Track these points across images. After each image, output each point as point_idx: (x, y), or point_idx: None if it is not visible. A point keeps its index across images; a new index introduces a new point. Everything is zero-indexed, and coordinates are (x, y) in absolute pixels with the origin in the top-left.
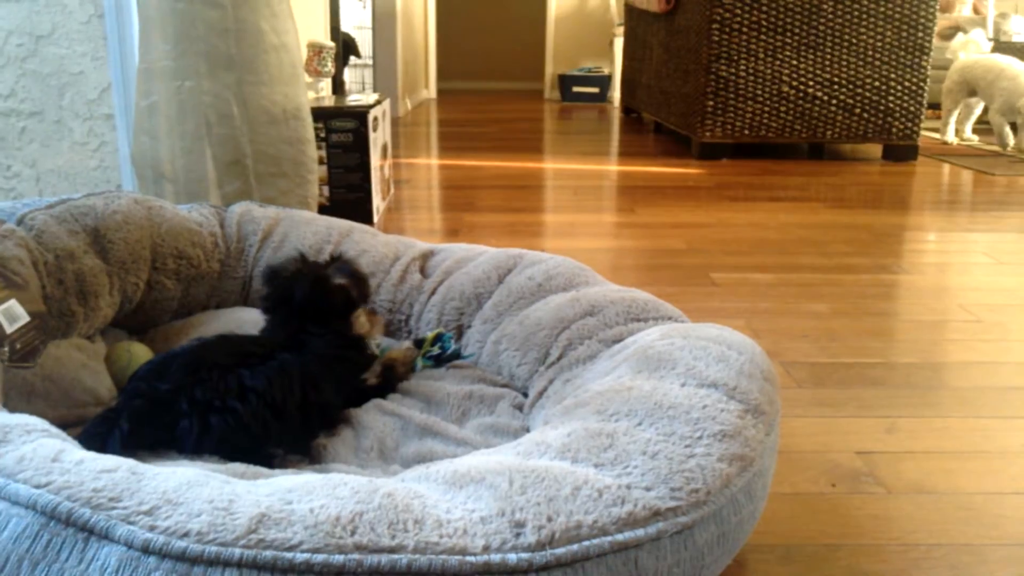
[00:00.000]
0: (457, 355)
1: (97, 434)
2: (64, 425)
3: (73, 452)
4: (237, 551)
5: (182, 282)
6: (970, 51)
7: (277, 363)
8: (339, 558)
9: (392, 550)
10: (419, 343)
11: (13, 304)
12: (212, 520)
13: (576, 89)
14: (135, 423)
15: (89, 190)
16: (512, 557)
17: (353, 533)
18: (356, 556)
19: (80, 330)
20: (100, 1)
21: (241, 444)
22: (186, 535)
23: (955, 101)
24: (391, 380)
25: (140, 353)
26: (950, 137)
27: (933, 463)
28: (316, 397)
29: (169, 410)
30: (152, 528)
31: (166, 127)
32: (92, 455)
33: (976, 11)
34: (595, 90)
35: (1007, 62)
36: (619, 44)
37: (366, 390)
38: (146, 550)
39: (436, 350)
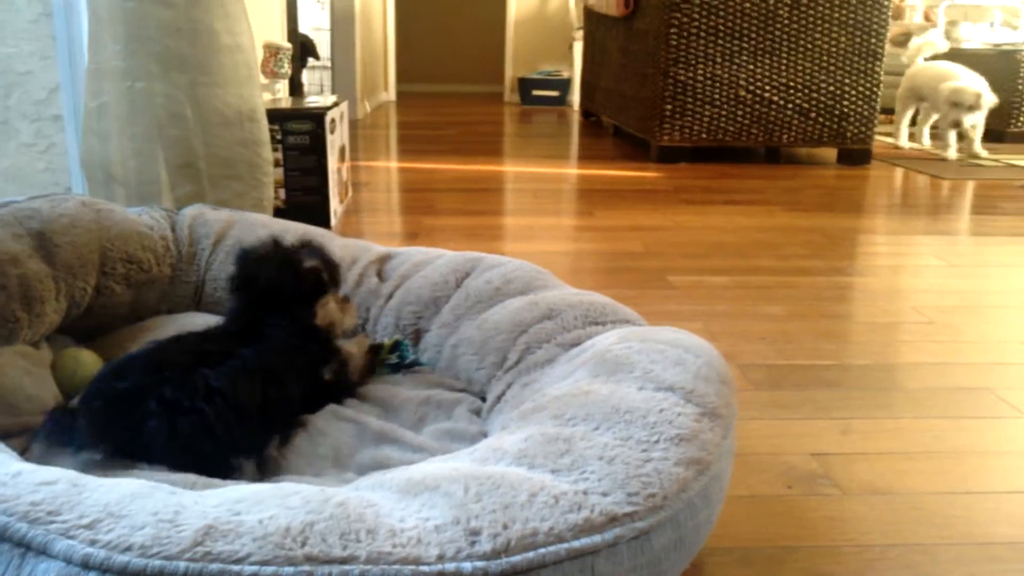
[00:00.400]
0: (416, 363)
1: (57, 431)
2: (6, 435)
3: (10, 464)
4: (182, 564)
5: (132, 287)
6: (926, 53)
7: (239, 361)
8: (289, 570)
9: (344, 561)
10: (376, 349)
11: None
12: (156, 533)
13: (536, 92)
14: (94, 424)
15: (37, 193)
16: (467, 566)
17: (303, 544)
18: (306, 568)
19: (24, 336)
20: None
21: (206, 449)
22: (128, 549)
23: (906, 106)
24: (344, 376)
25: (88, 360)
26: (903, 142)
27: (886, 464)
28: (276, 393)
29: (132, 409)
30: (93, 542)
31: (117, 128)
32: (30, 467)
33: (927, 18)
34: (555, 93)
35: (952, 69)
36: (578, 48)
37: (323, 386)
38: (86, 565)
39: (394, 359)
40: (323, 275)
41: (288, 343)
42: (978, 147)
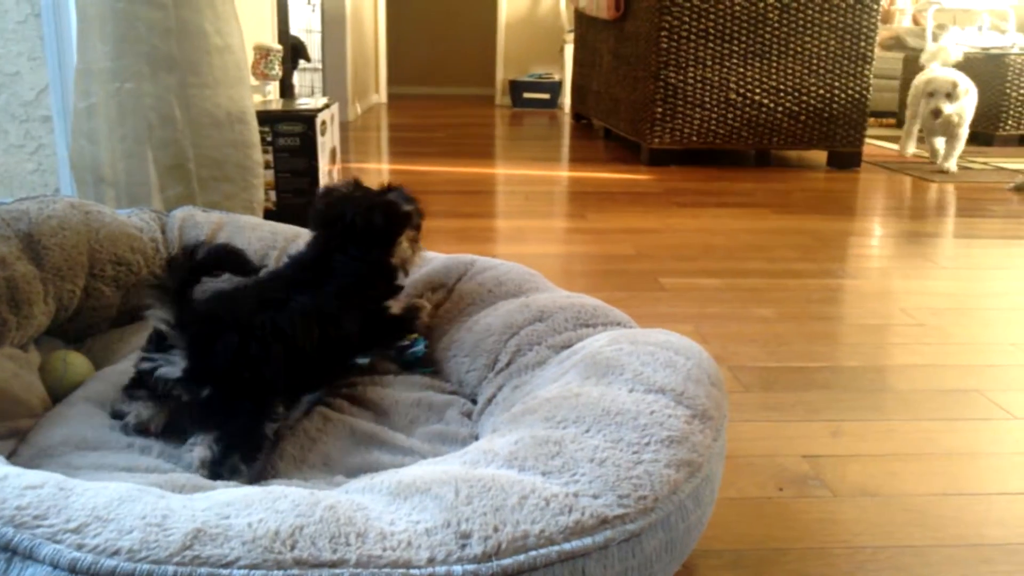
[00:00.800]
0: (418, 360)
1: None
2: None
3: None
4: (171, 568)
5: (121, 289)
6: (941, 60)
7: (298, 306)
8: (278, 574)
9: (333, 564)
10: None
11: None
12: (144, 537)
13: (527, 95)
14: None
15: (26, 194)
16: (458, 569)
17: (293, 548)
18: (296, 571)
19: (12, 339)
20: (37, 0)
21: (266, 375)
22: (116, 553)
23: (915, 113)
24: (412, 319)
25: (77, 363)
26: (910, 150)
27: (878, 466)
28: (335, 332)
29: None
30: (80, 547)
31: (106, 130)
32: (17, 471)
33: (915, 22)
34: (546, 96)
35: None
36: (569, 51)
37: (386, 320)
38: (73, 570)
39: (407, 342)
40: (414, 217)
41: (354, 278)
42: (951, 163)
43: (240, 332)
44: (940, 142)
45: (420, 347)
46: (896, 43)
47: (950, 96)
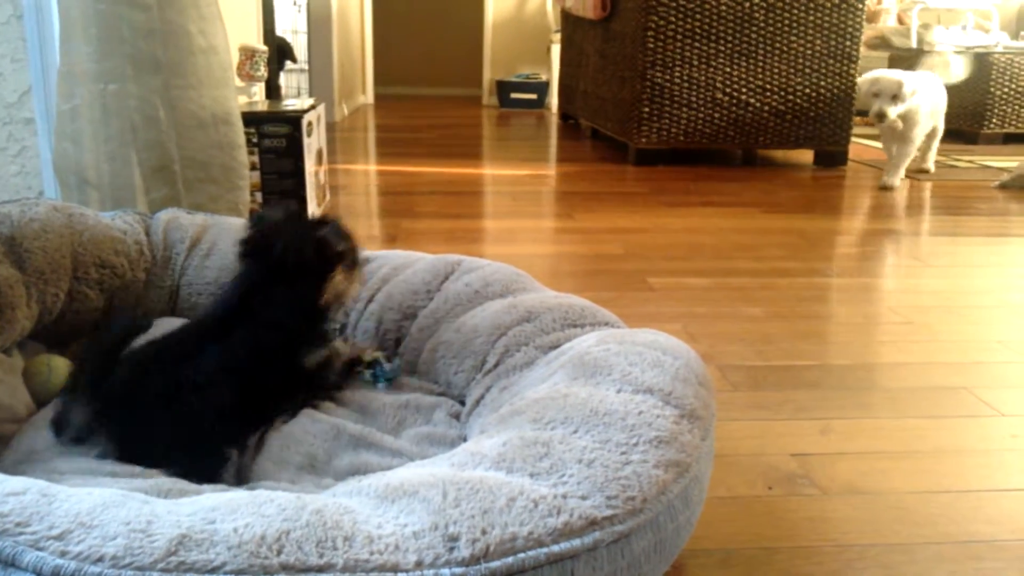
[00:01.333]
0: (390, 379)
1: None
2: None
3: None
4: (155, 575)
5: (105, 292)
6: (941, 73)
7: (206, 363)
8: None
9: (321, 569)
10: (355, 361)
11: None
12: (128, 543)
13: (514, 95)
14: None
15: (9, 197)
16: (446, 572)
17: (279, 552)
18: None
19: None
20: (19, 1)
21: (192, 437)
22: (100, 560)
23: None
24: (328, 368)
25: (60, 367)
26: (930, 164)
27: (867, 464)
28: (256, 386)
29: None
30: (63, 554)
31: (90, 132)
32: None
33: (900, 21)
34: (533, 96)
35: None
36: (556, 51)
37: (303, 374)
38: None
39: (368, 376)
40: (345, 256)
41: (280, 324)
42: (929, 163)
43: (153, 397)
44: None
45: (381, 373)
46: (882, 42)
47: (896, 98)
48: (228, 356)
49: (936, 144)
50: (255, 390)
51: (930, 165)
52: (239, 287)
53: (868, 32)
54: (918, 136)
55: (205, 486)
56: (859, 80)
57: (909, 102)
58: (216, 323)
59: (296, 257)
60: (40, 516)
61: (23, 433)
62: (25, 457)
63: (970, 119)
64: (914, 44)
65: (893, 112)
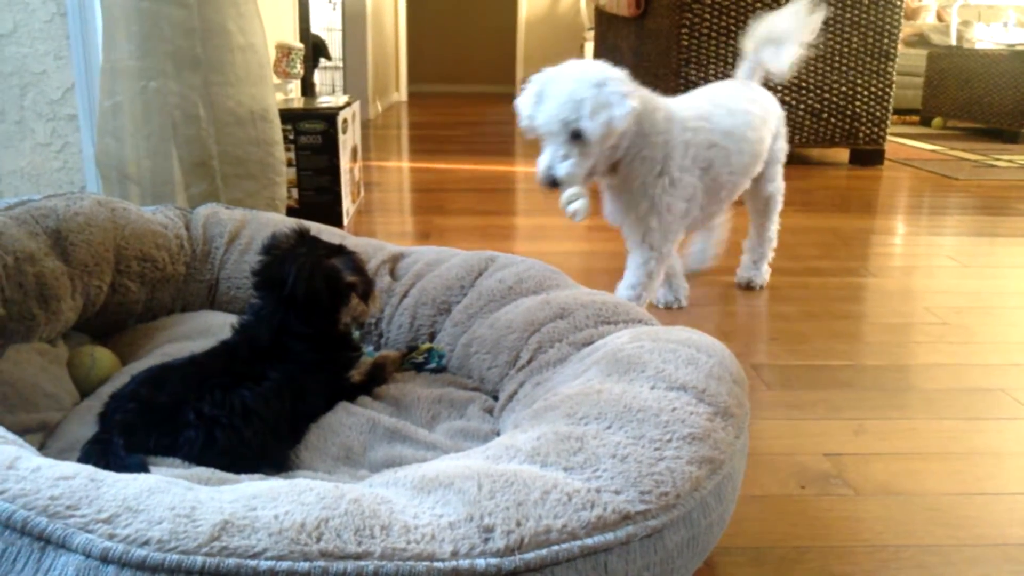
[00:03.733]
0: (442, 368)
1: (94, 452)
2: (24, 431)
3: (30, 459)
4: (199, 559)
5: (146, 285)
6: None
7: (272, 384)
8: (304, 565)
9: (358, 556)
10: (412, 350)
11: None
12: (173, 528)
13: None
14: (128, 431)
15: (52, 192)
16: (481, 562)
17: (319, 540)
18: (321, 563)
19: (41, 334)
20: (63, 0)
21: (239, 459)
22: (146, 543)
23: None
24: (377, 379)
25: (103, 357)
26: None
27: (901, 464)
28: (304, 407)
29: (169, 420)
30: (111, 536)
31: (131, 128)
32: (49, 462)
33: (940, 18)
34: None
35: None
36: (589, 48)
37: (351, 388)
38: (105, 559)
39: (420, 358)
40: (358, 291)
41: (314, 359)
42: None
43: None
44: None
45: (436, 362)
46: (920, 40)
47: None
48: (287, 381)
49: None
50: (306, 411)
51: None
52: (265, 325)
53: (907, 29)
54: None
55: (243, 475)
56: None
57: None
58: (247, 363)
59: (307, 291)
60: (89, 500)
61: (68, 421)
62: (70, 445)
63: (1010, 118)
64: (953, 41)
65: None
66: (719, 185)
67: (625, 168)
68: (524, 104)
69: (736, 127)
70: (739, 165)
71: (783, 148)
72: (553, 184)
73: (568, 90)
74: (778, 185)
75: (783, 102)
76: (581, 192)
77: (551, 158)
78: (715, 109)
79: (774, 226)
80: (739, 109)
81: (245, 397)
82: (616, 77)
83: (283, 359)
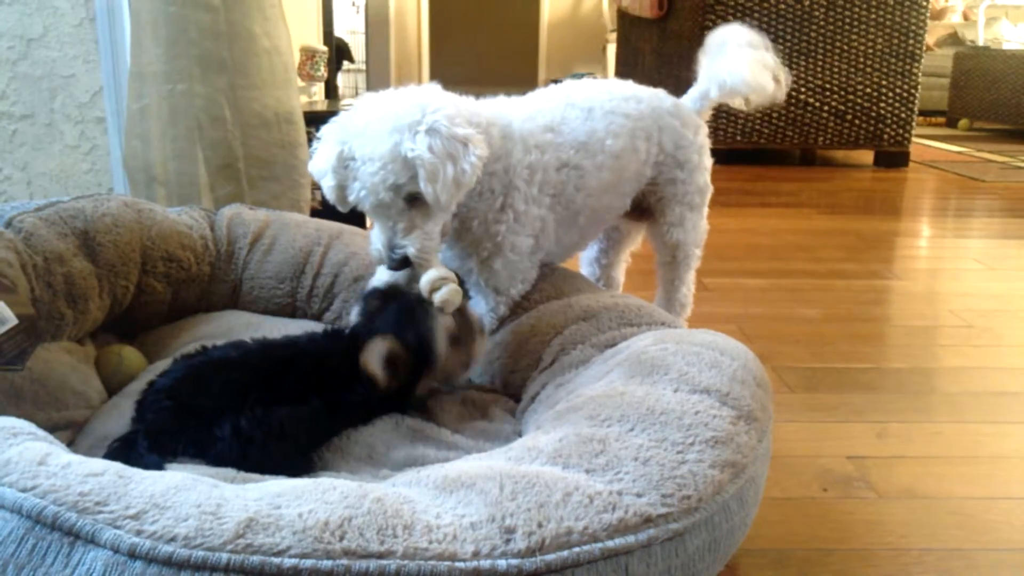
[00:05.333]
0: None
1: (119, 451)
2: (52, 428)
3: (60, 455)
4: (224, 556)
5: (172, 285)
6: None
7: (313, 410)
8: (327, 563)
9: (381, 555)
10: None
11: (1, 307)
12: (199, 524)
13: None
14: (158, 431)
15: (80, 193)
16: (502, 563)
17: (342, 538)
18: (344, 561)
19: (69, 333)
20: (92, 4)
21: (265, 470)
22: (173, 540)
23: None
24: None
25: (131, 356)
26: None
27: (924, 468)
28: (337, 427)
29: (204, 427)
30: (139, 532)
31: (158, 130)
32: (79, 458)
33: (966, 18)
34: None
35: None
36: (612, 50)
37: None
38: (132, 555)
39: None
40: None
41: (367, 401)
42: None
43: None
44: None
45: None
46: (953, 39)
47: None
48: (309, 428)
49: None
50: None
51: None
52: (345, 367)
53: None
54: None
55: (267, 475)
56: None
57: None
58: (299, 378)
59: (389, 373)
60: (117, 496)
61: (95, 419)
62: (98, 442)
63: None
64: (980, 41)
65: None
66: (574, 212)
67: (460, 207)
68: (321, 169)
69: (593, 135)
70: (598, 186)
71: (697, 184)
72: (404, 264)
73: (387, 146)
74: (689, 235)
75: (807, 104)
76: (445, 273)
77: (390, 234)
78: (568, 112)
79: (685, 287)
80: (602, 109)
81: (283, 419)
82: (445, 111)
83: (335, 388)
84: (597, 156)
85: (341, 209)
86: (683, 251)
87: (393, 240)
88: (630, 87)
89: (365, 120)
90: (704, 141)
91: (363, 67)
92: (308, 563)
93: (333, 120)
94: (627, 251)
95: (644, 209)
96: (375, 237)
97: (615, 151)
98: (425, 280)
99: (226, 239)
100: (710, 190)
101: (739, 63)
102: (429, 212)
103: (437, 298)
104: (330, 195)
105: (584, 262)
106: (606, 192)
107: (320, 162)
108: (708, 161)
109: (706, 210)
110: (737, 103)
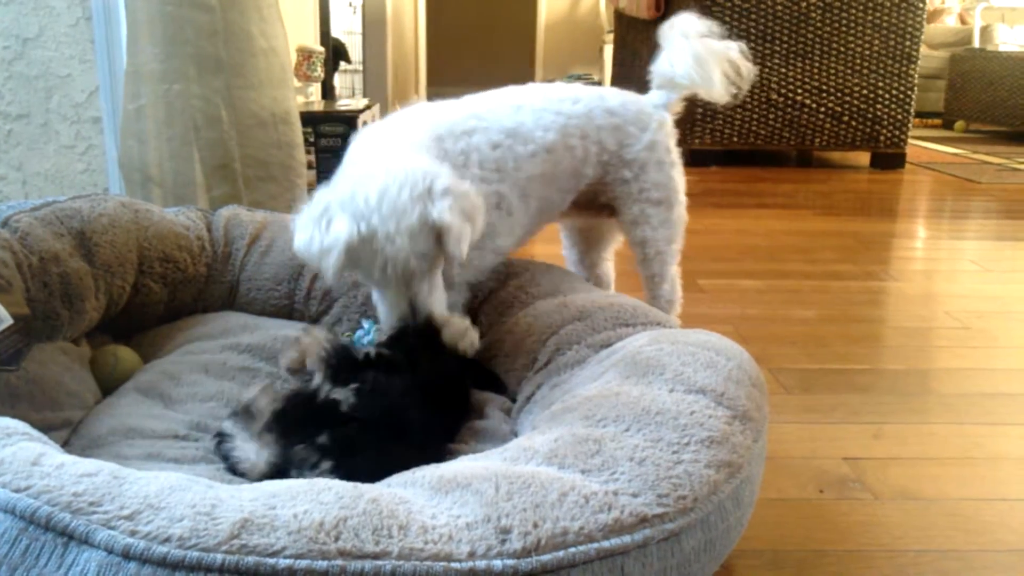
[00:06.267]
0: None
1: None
2: (47, 429)
3: (54, 456)
4: (219, 556)
5: (168, 286)
6: None
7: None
8: (322, 564)
9: (376, 556)
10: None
11: None
12: (194, 525)
13: None
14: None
15: (76, 193)
16: (498, 564)
17: (337, 539)
18: (340, 562)
19: (65, 333)
20: (88, 4)
21: None
22: (167, 540)
23: None
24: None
25: (126, 357)
26: None
27: (920, 469)
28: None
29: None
30: (133, 533)
31: (154, 130)
32: (73, 459)
33: (963, 21)
34: None
35: None
36: (608, 51)
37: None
38: (127, 555)
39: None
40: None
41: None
42: None
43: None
44: None
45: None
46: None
47: None
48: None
49: None
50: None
51: None
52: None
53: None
54: None
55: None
56: None
57: None
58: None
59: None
60: (112, 497)
61: (90, 419)
62: (92, 443)
63: None
64: (976, 43)
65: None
66: (523, 190)
67: None
68: (327, 247)
69: (522, 126)
70: (535, 173)
71: (655, 180)
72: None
73: (414, 217)
74: (657, 231)
75: (803, 105)
76: (466, 322)
77: (411, 299)
78: (495, 105)
79: (667, 284)
80: (532, 107)
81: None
82: (439, 172)
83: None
84: (528, 144)
85: (331, 283)
86: (652, 247)
87: (418, 303)
88: (573, 89)
89: (375, 193)
90: (659, 137)
91: (360, 68)
92: (303, 564)
93: (320, 199)
94: (608, 250)
95: (606, 207)
96: (389, 305)
97: (546, 144)
98: (454, 332)
99: (223, 240)
100: (676, 184)
101: (682, 54)
102: (444, 265)
103: (465, 345)
104: (335, 272)
105: (568, 264)
106: (544, 184)
107: (327, 241)
108: (669, 156)
109: (678, 207)
110: (706, 97)
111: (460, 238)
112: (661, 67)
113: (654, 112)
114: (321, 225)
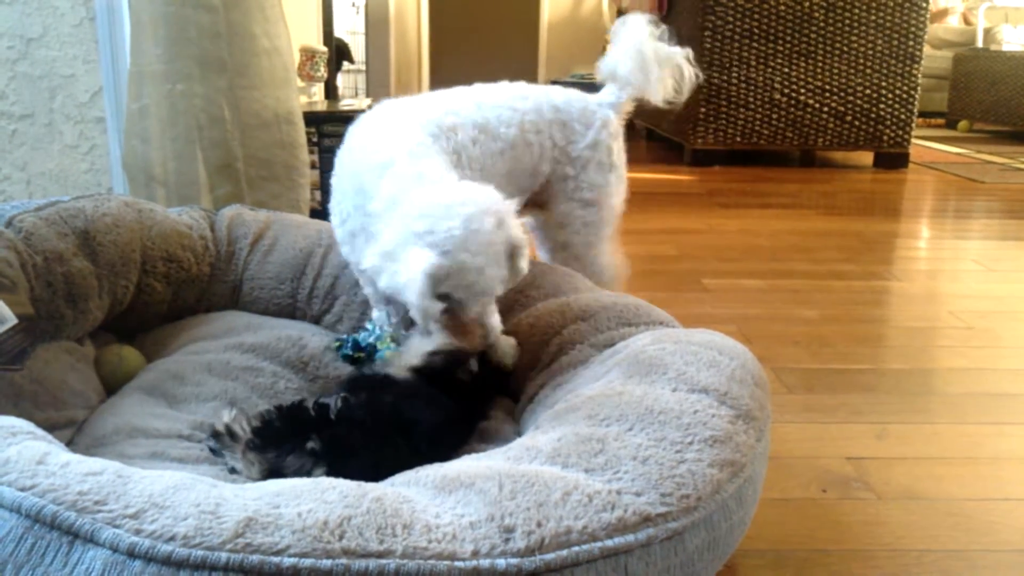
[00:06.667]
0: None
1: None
2: (51, 428)
3: (59, 455)
4: (223, 555)
5: (172, 285)
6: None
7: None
8: (327, 563)
9: (380, 555)
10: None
11: (1, 306)
12: (199, 524)
13: None
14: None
15: (80, 193)
16: (501, 562)
17: (341, 538)
18: (344, 561)
19: (69, 333)
20: (92, 4)
21: None
22: (172, 539)
23: None
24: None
25: (130, 357)
26: None
27: (923, 469)
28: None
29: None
30: (138, 532)
31: (157, 130)
32: (78, 458)
33: (966, 22)
34: None
35: None
36: None
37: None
38: (132, 554)
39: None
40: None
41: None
42: None
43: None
44: None
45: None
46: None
47: None
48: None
49: None
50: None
51: None
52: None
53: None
54: None
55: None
56: None
57: None
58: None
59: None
60: (116, 496)
61: (94, 419)
62: (96, 441)
63: None
64: (980, 43)
65: None
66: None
67: None
68: (416, 293)
69: (488, 123)
70: (503, 169)
71: (592, 181)
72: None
73: (500, 246)
74: (579, 235)
75: (806, 105)
76: (512, 340)
77: (496, 320)
78: (460, 102)
79: (598, 265)
80: (490, 103)
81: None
82: (494, 192)
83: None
84: (497, 141)
85: (418, 318)
86: (571, 251)
87: (490, 325)
88: (521, 87)
89: (459, 226)
90: (602, 136)
91: (363, 68)
92: (307, 562)
93: (408, 229)
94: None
95: (538, 205)
96: (436, 336)
97: (509, 139)
98: (505, 350)
99: (226, 240)
100: (611, 188)
101: (627, 53)
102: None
103: (509, 362)
104: (423, 308)
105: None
106: (508, 182)
107: (412, 278)
108: (611, 158)
109: (607, 211)
110: (645, 97)
111: (526, 254)
112: (607, 64)
113: (598, 110)
114: (404, 261)
